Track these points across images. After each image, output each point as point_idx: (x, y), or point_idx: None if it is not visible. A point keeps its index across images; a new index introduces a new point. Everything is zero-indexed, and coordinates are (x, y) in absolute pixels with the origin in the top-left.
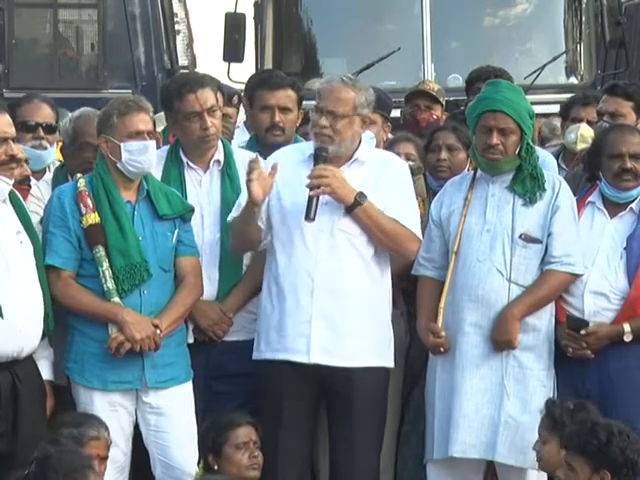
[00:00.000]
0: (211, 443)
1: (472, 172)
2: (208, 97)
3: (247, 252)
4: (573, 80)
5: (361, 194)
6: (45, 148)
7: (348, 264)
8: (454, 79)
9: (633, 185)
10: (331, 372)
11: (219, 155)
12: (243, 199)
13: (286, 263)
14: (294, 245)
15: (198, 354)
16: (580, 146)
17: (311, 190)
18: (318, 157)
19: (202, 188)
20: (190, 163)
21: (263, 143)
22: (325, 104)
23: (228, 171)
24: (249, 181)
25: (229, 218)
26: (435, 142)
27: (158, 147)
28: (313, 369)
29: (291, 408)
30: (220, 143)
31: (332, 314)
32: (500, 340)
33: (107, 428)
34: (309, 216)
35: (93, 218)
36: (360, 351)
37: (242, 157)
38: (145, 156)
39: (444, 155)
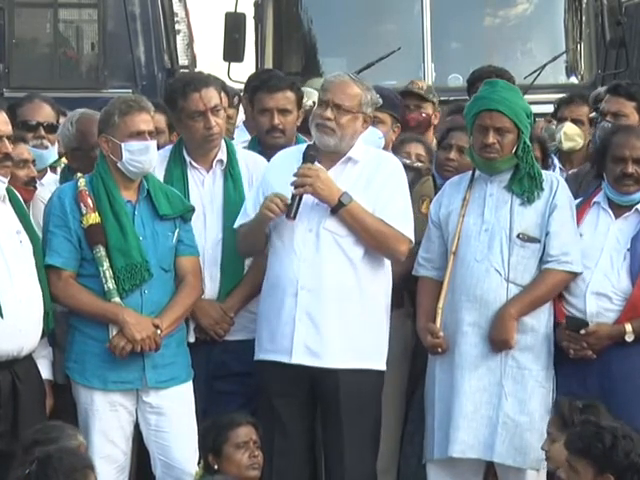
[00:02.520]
0: (211, 443)
1: (470, 172)
2: (212, 96)
3: (254, 255)
4: (573, 80)
5: (346, 195)
6: (46, 147)
7: (333, 265)
8: (454, 79)
9: (634, 189)
10: (319, 373)
11: (222, 155)
12: (249, 206)
13: (277, 263)
14: (284, 245)
15: (199, 354)
16: (566, 145)
17: (295, 189)
18: (307, 156)
19: (205, 188)
20: (193, 162)
21: (264, 144)
22: (331, 97)
23: (231, 171)
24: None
25: (236, 225)
26: (447, 140)
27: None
28: (301, 369)
29: (282, 408)
30: (223, 143)
31: (315, 315)
32: (497, 339)
33: (79, 431)
34: (290, 215)
35: (93, 218)
36: (346, 353)
37: (245, 157)
38: (146, 156)
39: (453, 155)
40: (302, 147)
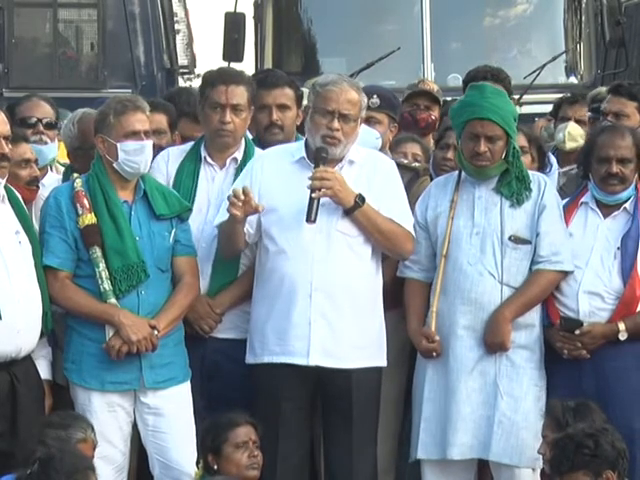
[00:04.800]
0: (211, 443)
1: (456, 173)
2: (237, 94)
3: (233, 255)
4: (573, 80)
5: (360, 196)
6: (45, 143)
7: (345, 265)
8: (454, 79)
9: (620, 189)
10: (330, 373)
11: (238, 154)
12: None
13: (283, 265)
14: (291, 247)
15: (194, 352)
16: (569, 145)
17: (312, 192)
18: (318, 158)
19: (214, 184)
20: (208, 158)
21: (263, 143)
22: (337, 107)
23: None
24: (230, 206)
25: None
26: (445, 140)
27: None
28: (312, 371)
29: (290, 411)
30: (243, 142)
31: (331, 315)
32: (493, 342)
33: (93, 428)
34: (310, 218)
35: (89, 218)
36: (358, 352)
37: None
38: (141, 156)
39: (451, 155)
40: (289, 148)
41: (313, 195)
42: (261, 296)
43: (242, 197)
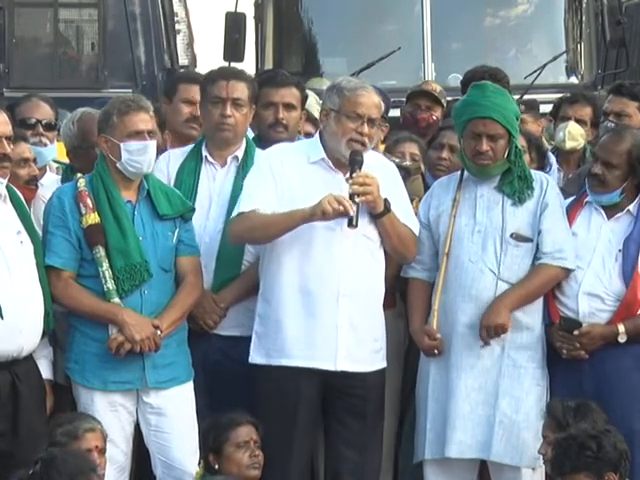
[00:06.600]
0: (212, 442)
1: (459, 173)
2: (238, 89)
3: (257, 242)
4: (573, 80)
5: (387, 200)
6: (45, 145)
7: (367, 270)
8: (455, 79)
9: (599, 190)
10: (347, 376)
11: (239, 153)
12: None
13: (306, 269)
14: (317, 251)
15: (196, 349)
16: (569, 144)
17: (352, 196)
18: (355, 162)
19: (215, 182)
20: (209, 157)
21: (265, 140)
22: (367, 112)
23: (245, 168)
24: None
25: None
26: (439, 140)
27: None
28: (328, 374)
29: (306, 414)
30: (244, 141)
31: (356, 321)
32: (492, 324)
33: (100, 422)
34: (352, 223)
35: (93, 218)
36: (375, 355)
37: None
38: (145, 156)
39: (445, 154)
40: (300, 149)
41: (358, 200)
42: (277, 298)
43: (351, 209)
